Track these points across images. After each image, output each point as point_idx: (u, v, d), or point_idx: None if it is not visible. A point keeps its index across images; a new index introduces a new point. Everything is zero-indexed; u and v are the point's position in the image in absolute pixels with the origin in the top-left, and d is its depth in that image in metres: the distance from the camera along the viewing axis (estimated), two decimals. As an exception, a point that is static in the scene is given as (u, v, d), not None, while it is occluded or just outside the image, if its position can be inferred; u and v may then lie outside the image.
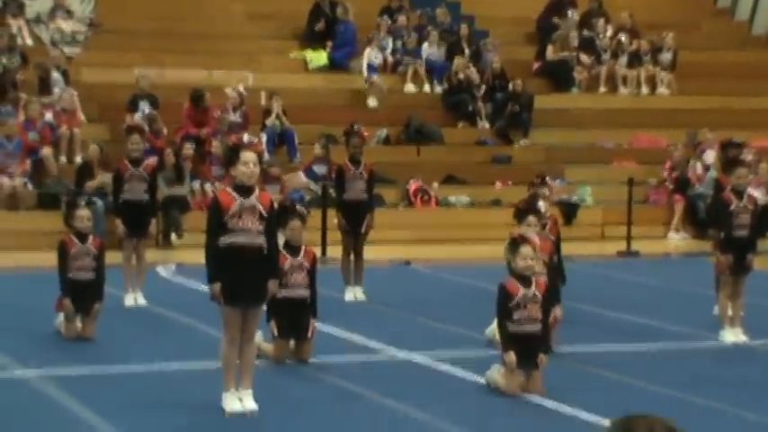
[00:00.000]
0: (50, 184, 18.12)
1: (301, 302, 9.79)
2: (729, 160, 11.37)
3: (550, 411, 8.27)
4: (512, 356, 8.59)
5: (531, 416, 8.28)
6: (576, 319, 11.27)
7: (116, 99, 19.75)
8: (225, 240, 7.95)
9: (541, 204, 10.72)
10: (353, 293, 13.06)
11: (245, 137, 8.51)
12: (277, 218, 8.44)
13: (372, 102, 21.82)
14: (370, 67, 22.21)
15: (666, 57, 24.13)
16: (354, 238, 13.10)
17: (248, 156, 7.98)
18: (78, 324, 10.64)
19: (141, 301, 12.47)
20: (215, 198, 8.29)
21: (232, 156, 8.07)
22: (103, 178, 16.79)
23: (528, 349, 8.62)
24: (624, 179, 19.60)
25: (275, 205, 8.33)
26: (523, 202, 10.36)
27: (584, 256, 16.55)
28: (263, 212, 8.00)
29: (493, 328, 10.13)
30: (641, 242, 18.65)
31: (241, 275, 7.94)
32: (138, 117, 18.84)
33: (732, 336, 10.81)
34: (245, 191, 8.00)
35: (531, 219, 9.82)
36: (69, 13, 21.52)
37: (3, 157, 18.08)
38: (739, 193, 10.80)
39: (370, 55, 22.32)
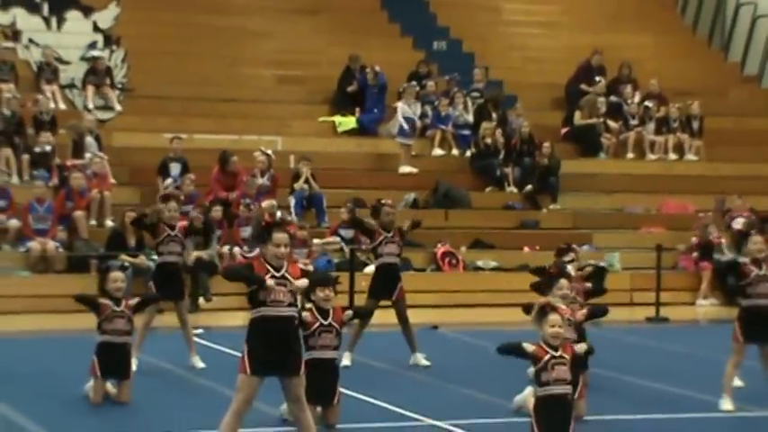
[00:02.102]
0: (81, 247, 18.25)
1: (330, 364, 9.78)
2: (741, 233, 10.97)
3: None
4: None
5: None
6: (602, 387, 11.21)
7: (146, 163, 19.94)
8: (257, 313, 8.09)
9: (570, 269, 10.74)
10: (415, 360, 13.04)
11: (279, 212, 8.66)
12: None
13: (405, 168, 21.84)
14: (403, 132, 22.09)
15: (694, 123, 24.16)
16: (392, 305, 13.01)
17: (280, 237, 8.15)
18: (111, 389, 10.70)
19: (199, 364, 12.56)
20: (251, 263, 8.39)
21: (265, 234, 8.22)
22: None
23: (558, 413, 8.23)
24: (652, 245, 19.57)
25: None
26: (553, 268, 10.39)
27: (612, 321, 16.44)
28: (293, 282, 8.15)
29: (523, 397, 10.11)
30: (670, 308, 18.57)
31: (271, 346, 8.05)
32: (169, 183, 19.01)
33: (729, 405, 10.64)
34: (275, 267, 8.17)
35: (563, 282, 9.84)
36: (103, 79, 21.73)
37: (34, 220, 18.26)
38: (758, 262, 10.57)
39: (403, 116, 22.11)
